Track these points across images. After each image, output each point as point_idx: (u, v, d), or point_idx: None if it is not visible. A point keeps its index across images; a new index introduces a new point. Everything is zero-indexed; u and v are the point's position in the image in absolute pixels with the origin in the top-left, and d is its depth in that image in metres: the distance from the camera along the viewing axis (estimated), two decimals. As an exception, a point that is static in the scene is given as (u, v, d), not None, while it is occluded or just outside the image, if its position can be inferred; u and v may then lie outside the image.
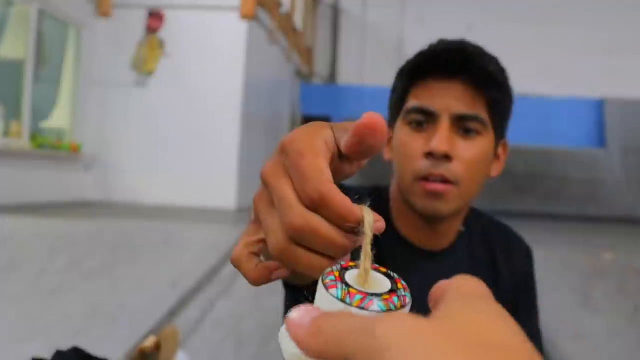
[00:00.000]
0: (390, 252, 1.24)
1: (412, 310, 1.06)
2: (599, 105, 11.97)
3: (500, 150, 1.30)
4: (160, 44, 8.20)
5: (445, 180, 1.16)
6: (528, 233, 5.71)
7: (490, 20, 12.77)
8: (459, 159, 1.16)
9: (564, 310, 3.88)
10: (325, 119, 12.46)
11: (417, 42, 12.75)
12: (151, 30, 8.19)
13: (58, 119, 8.04)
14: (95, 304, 3.82)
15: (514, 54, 12.57)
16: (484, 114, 1.19)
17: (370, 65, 13.12)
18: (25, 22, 7.18)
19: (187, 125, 8.01)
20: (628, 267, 4.47)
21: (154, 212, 6.89)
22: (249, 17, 8.19)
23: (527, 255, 1.39)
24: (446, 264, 1.29)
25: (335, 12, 13.40)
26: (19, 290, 3.99)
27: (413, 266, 1.27)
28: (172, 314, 3.55)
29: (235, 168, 7.99)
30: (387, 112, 1.31)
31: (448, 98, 1.17)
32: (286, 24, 10.46)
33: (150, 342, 1.99)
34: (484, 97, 1.19)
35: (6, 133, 6.88)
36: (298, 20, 11.57)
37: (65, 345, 1.39)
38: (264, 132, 9.54)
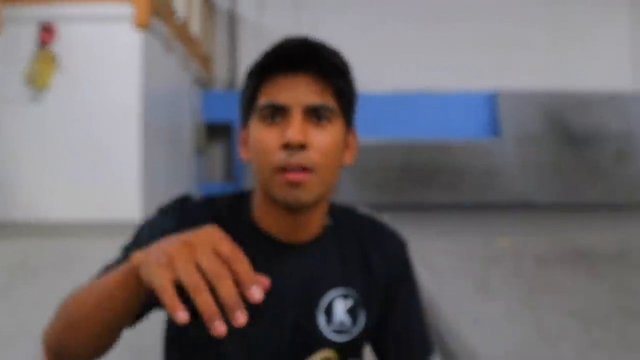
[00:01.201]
0: (250, 248, 1.18)
1: (270, 300, 1.16)
2: (492, 98, 12.42)
3: (350, 138, 1.34)
4: (54, 58, 8.03)
5: (303, 169, 1.20)
6: (429, 224, 5.89)
7: (384, 22, 13.05)
8: (313, 146, 1.21)
9: (463, 298, 4.00)
10: (227, 124, 12.47)
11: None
12: (43, 43, 8.01)
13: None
14: (-6, 327, 3.72)
15: (409, 52, 12.93)
16: (332, 103, 1.24)
17: (269, 69, 13.18)
18: None
19: (86, 138, 7.87)
20: (523, 251, 4.64)
21: (55, 229, 6.74)
22: (143, 26, 8.11)
23: (402, 249, 1.45)
24: (310, 256, 1.33)
25: (232, 19, 13.40)
26: None
27: (275, 259, 1.30)
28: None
29: (138, 179, 7.91)
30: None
31: (297, 91, 1.21)
32: (182, 32, 10.40)
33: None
34: (331, 87, 1.24)
35: None
36: (195, 28, 11.52)
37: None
38: (166, 142, 9.46)
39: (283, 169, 1.21)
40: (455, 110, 12.46)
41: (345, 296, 1.34)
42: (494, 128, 12.31)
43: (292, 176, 1.20)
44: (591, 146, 11.97)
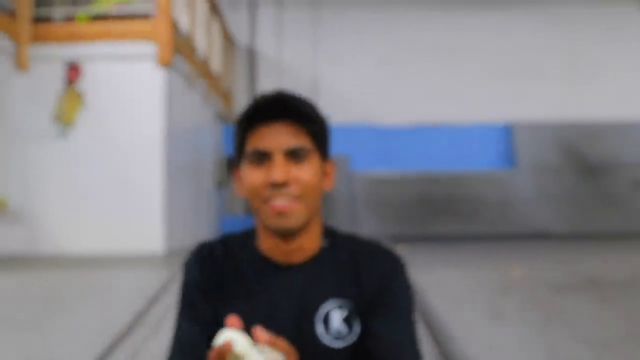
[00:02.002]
0: (254, 271, 1.56)
1: (272, 313, 1.42)
2: (508, 129, 12.46)
3: (327, 168, 1.58)
4: (80, 96, 8.24)
5: (289, 197, 1.46)
6: (446, 255, 5.98)
7: (401, 55, 13.15)
8: (295, 181, 1.47)
9: (477, 326, 4.05)
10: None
11: (331, 80, 13.17)
12: (70, 82, 8.22)
13: (-19, 175, 7.97)
14: (25, 357, 3.84)
15: (425, 85, 13.05)
16: (307, 143, 1.50)
17: (288, 105, 13.27)
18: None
19: (112, 173, 8.04)
20: (538, 280, 4.70)
21: (82, 262, 6.87)
22: (166, 64, 8.31)
23: (393, 264, 1.59)
24: (305, 273, 1.55)
25: (252, 55, 13.61)
26: (-51, 349, 3.97)
27: (274, 279, 1.55)
28: (101, 359, 3.60)
29: (161, 212, 8.05)
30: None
31: (277, 138, 1.48)
32: (204, 69, 10.61)
33: None
34: (305, 130, 1.50)
35: None
36: (215, 65, 11.73)
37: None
38: (188, 175, 9.61)
39: (270, 202, 1.47)
40: (471, 141, 12.47)
41: (340, 307, 1.52)
42: (510, 159, 12.32)
43: (279, 206, 1.46)
44: (607, 176, 11.93)
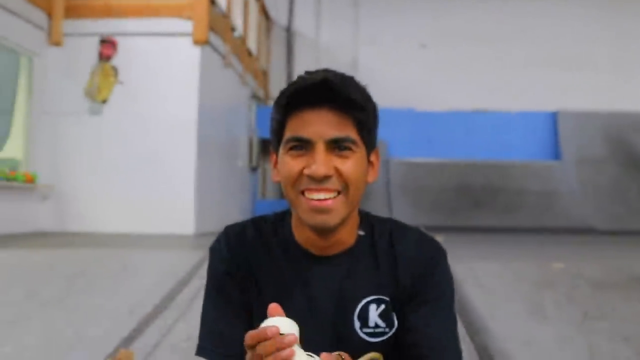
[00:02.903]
0: (289, 259, 1.48)
1: (310, 307, 1.44)
2: (553, 118, 12.17)
3: (373, 157, 1.48)
4: (114, 71, 8.19)
5: (329, 191, 1.37)
6: (483, 247, 5.84)
7: (442, 39, 12.97)
8: (338, 173, 1.37)
9: (514, 320, 3.95)
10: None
11: (370, 62, 12.96)
12: (104, 57, 8.17)
13: (11, 150, 7.97)
14: (52, 334, 3.79)
15: (468, 71, 12.81)
16: (353, 134, 1.38)
17: (325, 86, 13.20)
18: (-26, 52, 7.14)
19: (143, 151, 7.99)
20: (578, 276, 4.57)
21: (111, 240, 6.85)
22: (202, 42, 8.23)
23: (433, 253, 1.50)
24: (343, 266, 1.47)
25: (289, 35, 13.50)
26: (-26, 322, 3.95)
27: (311, 271, 1.47)
28: (129, 339, 3.55)
29: (193, 193, 7.98)
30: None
31: (319, 125, 1.36)
32: (240, 48, 10.52)
33: None
34: (351, 119, 1.38)
35: (-43, 165, 6.80)
36: (252, 44, 11.64)
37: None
38: (221, 156, 9.54)
39: (307, 190, 1.38)
40: (514, 130, 12.21)
41: (378, 301, 1.45)
42: (555, 149, 12.04)
43: (317, 203, 1.37)
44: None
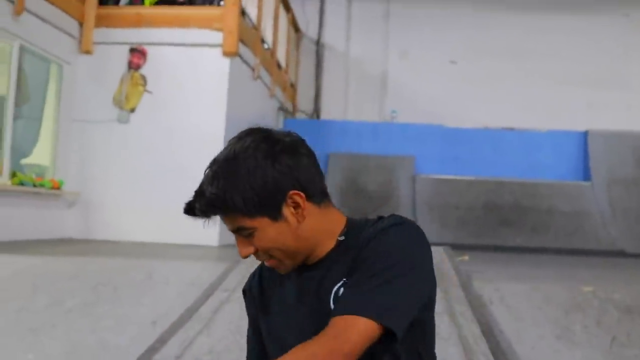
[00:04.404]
0: (290, 275, 1.67)
1: (296, 301, 1.63)
2: (583, 138, 12.00)
3: (285, 212, 1.55)
4: (143, 81, 8.23)
5: (267, 260, 1.60)
6: (511, 267, 5.75)
7: (473, 55, 12.87)
8: (259, 249, 1.57)
9: (543, 343, 3.90)
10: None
11: (400, 76, 12.92)
12: (133, 66, 8.22)
13: (39, 156, 8.01)
14: (75, 342, 3.81)
15: (498, 88, 12.70)
16: (241, 222, 1.54)
17: (353, 100, 13.19)
18: (6, 58, 7.19)
19: (169, 161, 7.99)
20: (607, 300, 4.49)
21: (136, 249, 6.86)
22: (231, 53, 8.25)
23: (382, 226, 1.55)
24: (321, 269, 1.60)
25: (319, 47, 13.50)
26: (-1, 328, 3.97)
27: (298, 277, 1.64)
28: (152, 350, 3.54)
29: (218, 204, 7.95)
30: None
31: (224, 221, 1.57)
32: (269, 60, 10.54)
33: None
34: (231, 216, 1.54)
35: (-14, 170, 6.85)
36: (281, 56, 11.66)
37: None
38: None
39: None
40: (543, 149, 12.01)
41: (344, 284, 1.53)
42: (584, 169, 11.86)
43: (268, 264, 1.63)
44: (687, 193, 11.35)
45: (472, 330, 3.94)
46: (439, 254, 6.17)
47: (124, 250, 6.47)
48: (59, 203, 8.05)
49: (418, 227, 1.59)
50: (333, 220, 1.63)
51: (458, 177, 11.67)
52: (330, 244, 1.61)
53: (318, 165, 1.66)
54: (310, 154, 1.64)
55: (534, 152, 12.02)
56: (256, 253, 1.57)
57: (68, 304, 4.42)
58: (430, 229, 10.78)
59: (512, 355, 3.70)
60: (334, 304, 1.52)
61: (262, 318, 1.74)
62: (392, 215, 1.60)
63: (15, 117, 7.37)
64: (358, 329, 1.39)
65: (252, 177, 1.50)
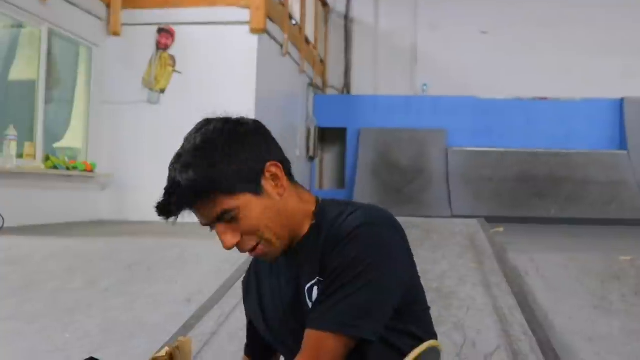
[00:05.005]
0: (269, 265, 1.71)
1: (276, 290, 1.68)
2: (618, 105, 11.79)
3: (264, 183, 1.54)
4: (171, 61, 8.24)
5: (253, 248, 1.54)
6: (546, 238, 5.70)
7: (504, 24, 12.64)
8: (245, 234, 1.51)
9: (580, 313, 3.84)
10: (340, 129, 12.42)
11: (430, 49, 12.79)
12: (162, 46, 8.23)
13: (71, 139, 8.07)
14: (112, 321, 3.84)
15: (530, 57, 12.48)
16: (223, 205, 1.48)
17: (383, 73, 13.08)
18: (35, 42, 7.24)
19: (200, 141, 7.99)
20: (645, 270, 4.43)
21: (168, 230, 6.89)
22: (259, 30, 8.21)
23: (342, 233, 1.51)
24: (297, 256, 1.60)
25: (347, 22, 13.40)
26: (37, 308, 4.00)
27: (280, 261, 1.63)
28: (187, 327, 3.56)
29: (250, 182, 7.96)
30: None
31: (201, 215, 1.51)
32: (297, 36, 10.49)
33: (163, 352, 2.03)
34: (211, 197, 1.48)
35: (20, 154, 6.91)
36: (309, 32, 11.59)
37: (82, 362, 1.47)
38: (278, 145, 9.52)
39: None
40: (577, 118, 11.82)
41: (319, 283, 1.53)
42: (620, 138, 11.66)
43: (253, 254, 1.57)
44: None
45: (508, 301, 3.91)
46: (473, 226, 6.13)
47: (157, 231, 6.50)
48: (92, 185, 8.12)
49: (388, 221, 1.58)
50: (307, 199, 1.63)
51: (491, 149, 11.57)
52: (305, 228, 1.60)
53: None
54: (272, 136, 1.66)
55: (568, 122, 11.85)
56: (241, 241, 1.51)
57: (103, 283, 4.47)
58: (464, 202, 10.75)
59: (549, 326, 3.65)
60: (309, 302, 1.55)
61: (258, 307, 1.76)
62: (362, 209, 1.57)
63: (47, 101, 7.42)
64: (329, 349, 1.45)
65: (227, 156, 1.50)
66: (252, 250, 1.53)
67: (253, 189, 1.51)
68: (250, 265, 1.85)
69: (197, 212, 1.51)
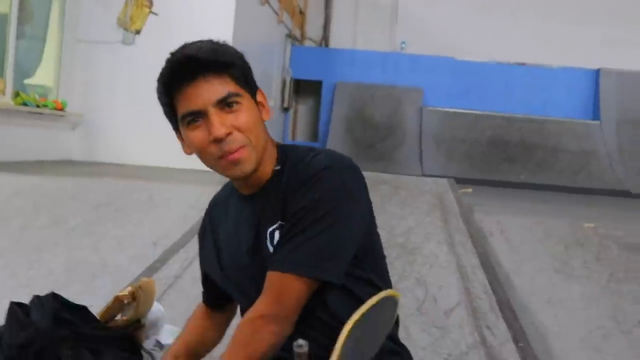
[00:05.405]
0: (230, 204, 1.75)
1: (236, 235, 1.71)
2: (594, 76, 11.84)
3: (259, 98, 1.63)
4: (148, 2, 8.11)
5: (237, 149, 1.52)
6: (514, 202, 5.75)
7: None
8: (236, 128, 1.52)
9: (541, 276, 3.91)
10: (316, 82, 12.36)
11: (411, 6, 12.67)
12: (139, -13, 8.09)
13: (42, 77, 7.94)
14: (77, 260, 3.84)
15: (512, 21, 12.42)
16: (233, 88, 1.53)
17: (362, 28, 12.96)
18: (8, -25, 7.08)
19: (174, 85, 7.92)
20: (608, 237, 4.50)
21: (138, 172, 6.86)
22: (239, -24, 8.10)
23: (306, 176, 1.55)
24: (258, 201, 1.63)
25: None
26: (2, 245, 3.99)
27: (239, 208, 1.69)
28: (152, 269, 3.58)
29: (222, 130, 7.93)
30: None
31: (204, 93, 1.51)
32: (277, -15, 10.37)
33: (126, 291, 2.07)
34: (227, 76, 1.53)
35: (-12, 89, 6.80)
36: (290, -19, 11.45)
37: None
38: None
39: (221, 157, 1.53)
40: (553, 86, 11.85)
41: (281, 227, 1.56)
42: (594, 108, 11.74)
43: (231, 157, 1.52)
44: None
45: (471, 260, 3.95)
46: (442, 186, 6.17)
47: (127, 173, 6.48)
48: (63, 124, 8.02)
49: (351, 166, 1.61)
50: (272, 142, 1.66)
51: (466, 111, 11.59)
52: (268, 170, 1.63)
53: None
54: None
55: (545, 89, 11.89)
56: (229, 136, 1.51)
57: (70, 223, 4.45)
58: (435, 162, 10.80)
59: (509, 286, 3.72)
60: (271, 246, 1.57)
61: (215, 256, 1.78)
62: (325, 153, 1.61)
63: (19, 37, 7.27)
64: (292, 290, 1.49)
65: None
66: (234, 151, 1.52)
67: (252, 91, 1.60)
68: (205, 216, 1.87)
69: (203, 87, 1.51)
